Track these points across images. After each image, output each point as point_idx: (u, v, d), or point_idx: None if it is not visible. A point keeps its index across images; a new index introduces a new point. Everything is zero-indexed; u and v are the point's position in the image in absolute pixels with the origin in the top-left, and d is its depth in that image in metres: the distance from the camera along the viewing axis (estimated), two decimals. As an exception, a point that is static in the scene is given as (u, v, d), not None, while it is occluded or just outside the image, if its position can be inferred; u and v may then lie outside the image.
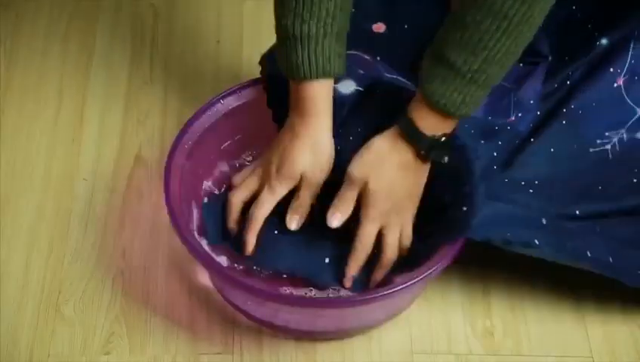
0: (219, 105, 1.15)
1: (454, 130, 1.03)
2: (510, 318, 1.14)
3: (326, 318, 1.09)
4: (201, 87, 1.35)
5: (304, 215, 1.09)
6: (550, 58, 1.17)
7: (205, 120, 1.14)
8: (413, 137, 1.02)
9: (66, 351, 1.10)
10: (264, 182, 1.08)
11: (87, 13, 1.44)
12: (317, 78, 1.04)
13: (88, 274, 1.16)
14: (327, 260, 1.10)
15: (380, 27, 1.21)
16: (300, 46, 1.03)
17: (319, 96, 1.05)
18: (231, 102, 1.16)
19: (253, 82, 1.17)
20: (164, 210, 1.07)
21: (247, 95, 1.16)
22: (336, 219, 1.06)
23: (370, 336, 1.12)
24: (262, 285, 1.09)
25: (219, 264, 1.07)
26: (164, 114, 1.32)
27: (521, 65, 1.18)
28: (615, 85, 1.16)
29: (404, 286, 1.01)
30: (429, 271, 1.01)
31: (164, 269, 1.17)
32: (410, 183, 1.05)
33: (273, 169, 1.07)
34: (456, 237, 1.04)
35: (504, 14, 0.95)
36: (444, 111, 1.00)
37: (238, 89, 1.16)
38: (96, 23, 1.43)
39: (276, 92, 1.13)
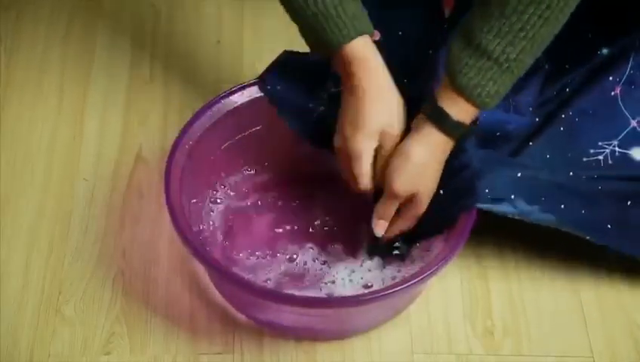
0: (219, 105, 1.15)
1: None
2: (510, 318, 1.14)
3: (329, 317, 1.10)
4: (201, 87, 1.35)
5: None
6: (547, 66, 1.18)
7: (206, 120, 1.14)
8: (452, 129, 1.03)
9: (66, 351, 1.10)
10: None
11: (87, 13, 1.44)
12: (352, 38, 1.04)
13: (88, 274, 1.16)
14: None
15: (374, 35, 1.21)
16: (323, 19, 1.03)
17: (366, 53, 1.05)
18: (231, 102, 1.16)
19: (254, 82, 1.17)
20: (165, 210, 1.07)
21: (247, 95, 1.16)
22: (381, 226, 1.08)
23: (370, 336, 1.12)
24: (262, 285, 1.09)
25: (219, 263, 1.07)
26: (165, 114, 1.32)
27: None
28: (612, 94, 1.16)
29: (403, 286, 1.01)
30: (429, 271, 1.02)
31: (164, 269, 1.17)
32: (443, 164, 1.06)
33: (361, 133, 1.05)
34: (470, 206, 1.05)
35: (547, 3, 0.97)
36: (478, 102, 1.01)
37: (238, 89, 1.16)
38: (97, 24, 1.43)
39: (284, 106, 1.14)
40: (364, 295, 1.04)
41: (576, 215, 1.12)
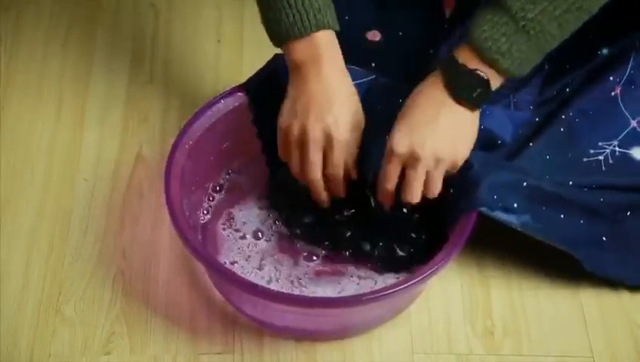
0: (219, 105, 1.15)
1: (493, 86, 1.02)
2: (510, 318, 1.14)
3: (329, 317, 1.10)
4: (201, 87, 1.35)
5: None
6: (547, 67, 1.18)
7: (205, 120, 1.14)
8: (454, 72, 1.01)
9: (66, 351, 1.10)
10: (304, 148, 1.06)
11: (87, 13, 1.44)
12: (312, 31, 1.04)
13: (88, 274, 1.16)
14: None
15: (375, 35, 1.21)
16: (287, 6, 1.03)
17: (325, 44, 1.05)
18: (231, 102, 1.16)
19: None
20: (165, 210, 1.07)
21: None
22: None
23: (370, 336, 1.12)
24: (262, 286, 1.09)
25: (219, 263, 1.07)
26: (165, 114, 1.32)
27: None
28: (612, 94, 1.16)
29: (404, 286, 1.01)
30: (429, 271, 1.02)
31: (164, 269, 1.17)
32: (451, 128, 1.03)
33: (306, 130, 1.04)
34: (472, 208, 1.05)
35: None
36: (489, 57, 1.00)
37: (238, 89, 1.17)
38: (97, 24, 1.43)
39: (263, 115, 1.14)
40: (364, 295, 1.04)
41: (575, 225, 1.12)
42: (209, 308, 1.14)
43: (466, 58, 1.01)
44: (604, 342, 1.13)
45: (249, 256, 1.14)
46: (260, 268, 1.13)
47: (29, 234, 1.20)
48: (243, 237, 1.16)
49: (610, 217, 1.14)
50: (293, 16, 1.03)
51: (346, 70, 1.07)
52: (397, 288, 1.01)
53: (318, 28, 1.04)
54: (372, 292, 1.03)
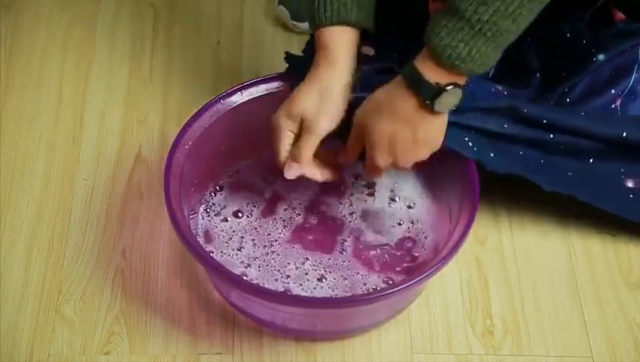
0: (219, 105, 1.15)
1: (464, 83, 1.01)
2: (510, 318, 1.14)
3: (328, 316, 1.10)
4: (201, 87, 1.35)
5: (303, 164, 1.07)
6: (539, 75, 1.17)
7: (205, 120, 1.14)
8: (416, 85, 1.00)
9: (65, 351, 1.10)
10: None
11: (87, 13, 1.44)
12: (332, 24, 1.04)
13: (88, 273, 1.16)
14: None
15: (369, 50, 1.21)
16: None
17: (334, 44, 1.05)
18: (231, 102, 1.16)
19: (253, 82, 1.17)
20: (164, 210, 1.07)
21: (247, 95, 1.16)
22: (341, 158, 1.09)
23: (370, 336, 1.12)
24: (261, 286, 1.10)
25: (218, 264, 1.07)
26: (164, 114, 1.33)
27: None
28: (612, 106, 1.16)
29: (404, 286, 1.01)
30: (429, 271, 1.02)
31: (164, 269, 1.17)
32: (412, 134, 1.03)
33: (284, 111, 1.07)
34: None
35: None
36: (449, 63, 0.98)
37: (237, 89, 1.17)
38: (97, 23, 1.43)
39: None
40: (364, 295, 1.04)
41: (535, 164, 1.11)
42: (209, 308, 1.14)
43: (428, 68, 1.00)
44: (604, 341, 1.13)
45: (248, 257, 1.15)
46: (269, 274, 1.13)
47: (29, 234, 1.20)
48: (242, 237, 1.16)
49: (571, 160, 1.14)
50: (318, 4, 1.04)
51: (344, 72, 1.06)
52: (397, 288, 1.01)
53: (339, 22, 1.04)
54: (372, 293, 1.03)
